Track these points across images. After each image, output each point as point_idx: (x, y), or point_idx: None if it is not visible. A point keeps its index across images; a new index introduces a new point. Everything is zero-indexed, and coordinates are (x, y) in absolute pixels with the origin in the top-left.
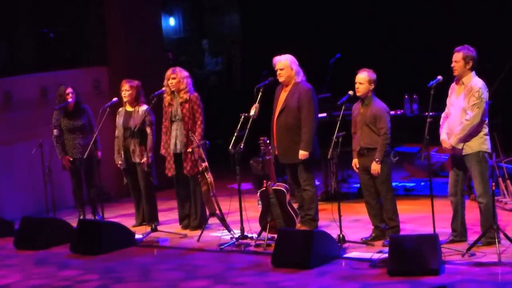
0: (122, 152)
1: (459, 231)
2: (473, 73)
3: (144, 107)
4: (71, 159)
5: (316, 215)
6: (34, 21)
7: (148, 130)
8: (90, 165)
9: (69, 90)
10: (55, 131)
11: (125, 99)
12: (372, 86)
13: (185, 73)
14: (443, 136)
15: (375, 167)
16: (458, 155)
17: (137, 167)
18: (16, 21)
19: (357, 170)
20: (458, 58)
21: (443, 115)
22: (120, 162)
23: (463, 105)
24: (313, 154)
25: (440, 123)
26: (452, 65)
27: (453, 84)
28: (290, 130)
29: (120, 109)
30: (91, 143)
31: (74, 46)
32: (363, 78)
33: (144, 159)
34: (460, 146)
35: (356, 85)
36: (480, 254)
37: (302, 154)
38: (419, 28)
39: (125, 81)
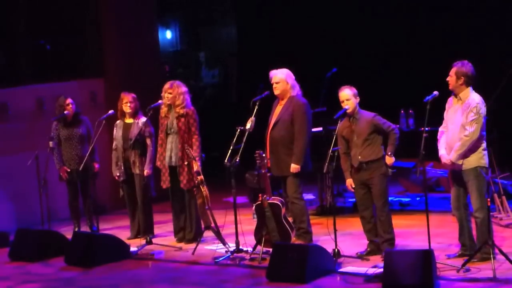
0: (121, 164)
1: (468, 244)
2: (470, 88)
3: (143, 119)
4: (69, 170)
5: (309, 227)
6: (31, 33)
7: (148, 141)
8: (86, 177)
9: (69, 100)
10: (51, 143)
11: (127, 111)
12: (358, 99)
13: (183, 89)
14: (441, 151)
15: (390, 161)
16: (457, 170)
17: (135, 178)
18: (13, 32)
19: (352, 190)
20: (452, 73)
21: (440, 129)
22: (118, 174)
23: (462, 121)
24: (305, 167)
25: (438, 137)
26: (447, 78)
27: (451, 98)
28: (283, 143)
29: (118, 121)
30: (87, 154)
31: (71, 58)
32: (348, 94)
33: (145, 171)
34: (460, 162)
35: (344, 104)
36: (475, 269)
37: (294, 167)
38: (416, 43)
39: (126, 94)
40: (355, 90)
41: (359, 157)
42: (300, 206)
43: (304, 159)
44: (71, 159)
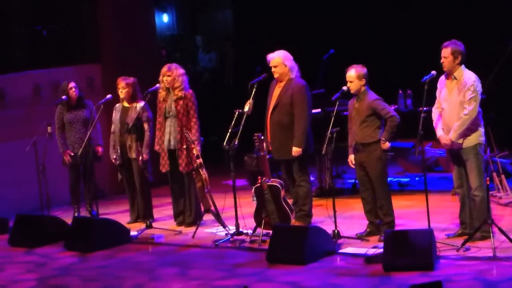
0: (118, 148)
1: (468, 222)
2: (463, 66)
3: (141, 103)
4: (72, 153)
5: (310, 211)
6: (27, 19)
7: (146, 126)
8: (86, 161)
9: (72, 84)
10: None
11: (121, 96)
12: (363, 81)
13: (180, 71)
14: (439, 132)
15: (383, 146)
16: (455, 149)
17: (132, 163)
18: (9, 18)
19: (353, 166)
20: (446, 53)
21: (434, 110)
22: (114, 157)
23: (459, 100)
24: (307, 150)
25: (433, 118)
26: (442, 60)
27: (442, 79)
28: (283, 126)
29: (117, 104)
30: (86, 139)
31: (67, 43)
32: (352, 76)
33: (143, 155)
34: (460, 140)
35: (348, 84)
36: (475, 248)
37: (296, 150)
38: (413, 23)
39: (121, 79)
40: (362, 71)
41: (356, 137)
42: (306, 189)
43: (306, 141)
44: (75, 142)
